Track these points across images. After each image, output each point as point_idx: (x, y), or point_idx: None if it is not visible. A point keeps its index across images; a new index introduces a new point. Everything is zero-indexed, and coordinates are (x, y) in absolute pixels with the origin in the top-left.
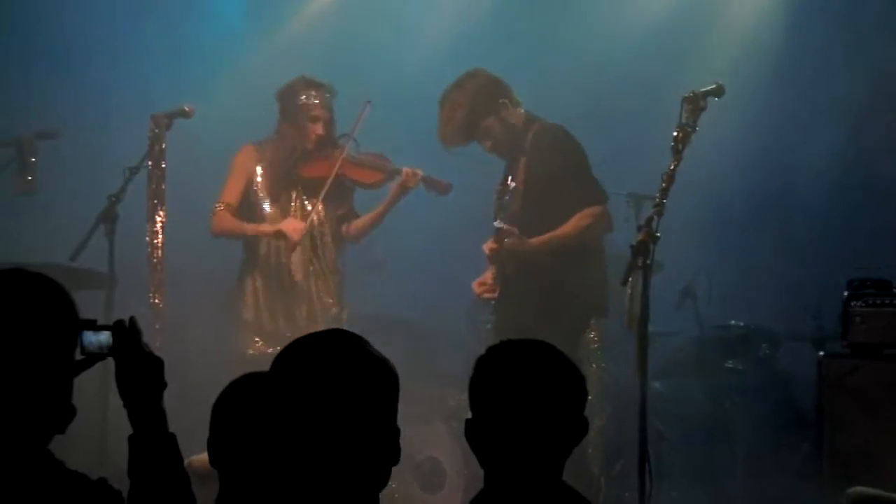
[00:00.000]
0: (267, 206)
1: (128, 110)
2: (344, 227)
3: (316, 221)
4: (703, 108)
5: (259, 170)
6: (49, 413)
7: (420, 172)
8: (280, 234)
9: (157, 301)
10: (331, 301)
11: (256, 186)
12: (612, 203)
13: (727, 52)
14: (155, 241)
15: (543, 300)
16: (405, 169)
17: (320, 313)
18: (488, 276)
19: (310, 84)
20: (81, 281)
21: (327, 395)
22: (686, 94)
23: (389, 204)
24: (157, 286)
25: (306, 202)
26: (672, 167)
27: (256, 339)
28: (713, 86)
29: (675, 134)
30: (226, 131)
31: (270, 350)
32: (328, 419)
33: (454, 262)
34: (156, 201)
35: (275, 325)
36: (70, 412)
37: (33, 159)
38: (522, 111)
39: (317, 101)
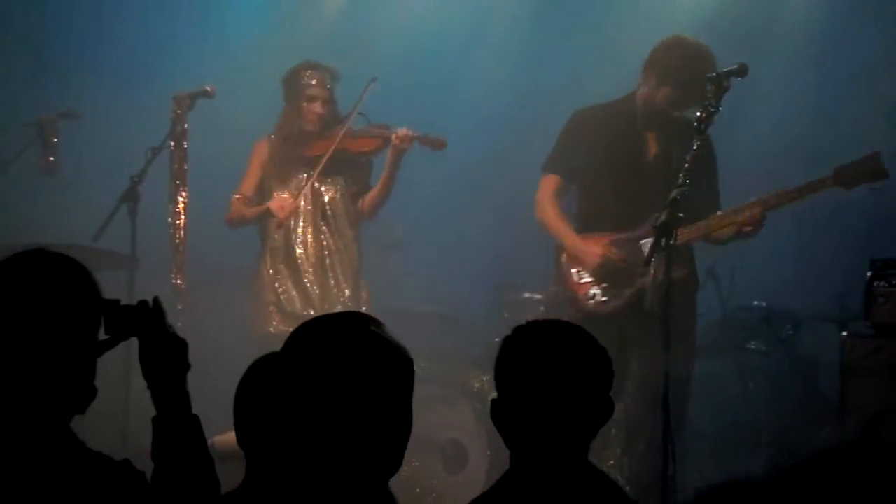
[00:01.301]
0: (279, 191)
1: (150, 90)
2: (360, 203)
3: (326, 199)
4: (726, 88)
5: (270, 162)
6: (71, 393)
7: (411, 132)
8: (269, 212)
9: (179, 282)
10: (346, 282)
11: (269, 175)
12: None
13: (755, 29)
14: (177, 221)
15: None
16: (397, 131)
17: (335, 293)
18: None
19: (311, 66)
20: (104, 261)
21: (341, 379)
22: (710, 75)
23: (389, 168)
24: (179, 267)
25: (316, 183)
26: (695, 147)
27: (275, 320)
28: (736, 66)
29: (698, 114)
30: (248, 111)
31: (291, 328)
32: (342, 403)
33: (478, 245)
34: (178, 182)
35: (293, 307)
36: (91, 393)
37: (55, 140)
38: None
39: (314, 82)
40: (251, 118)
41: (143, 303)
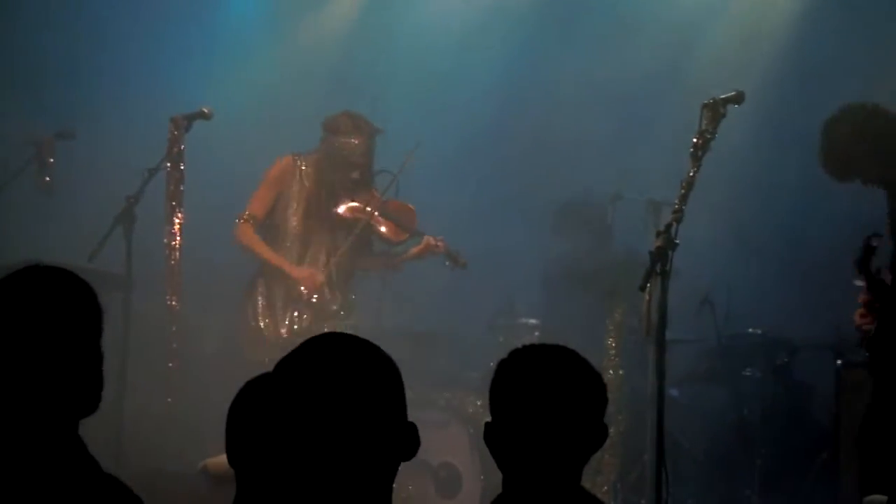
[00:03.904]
0: (294, 223)
1: (147, 112)
2: (361, 261)
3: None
4: (722, 115)
5: (295, 183)
6: (77, 402)
7: (441, 244)
8: (296, 283)
9: (173, 303)
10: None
11: (290, 198)
12: (631, 209)
13: (751, 59)
14: (172, 242)
15: None
16: (427, 237)
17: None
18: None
19: (354, 125)
20: (99, 282)
21: (330, 391)
22: (706, 101)
23: (404, 260)
24: (175, 288)
25: (332, 240)
26: (691, 174)
27: (262, 346)
28: (733, 93)
29: (694, 140)
30: (245, 134)
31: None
32: (331, 416)
33: (473, 270)
34: (174, 203)
35: (277, 335)
36: (97, 398)
37: (51, 160)
38: None
39: (356, 143)
40: (248, 140)
41: None
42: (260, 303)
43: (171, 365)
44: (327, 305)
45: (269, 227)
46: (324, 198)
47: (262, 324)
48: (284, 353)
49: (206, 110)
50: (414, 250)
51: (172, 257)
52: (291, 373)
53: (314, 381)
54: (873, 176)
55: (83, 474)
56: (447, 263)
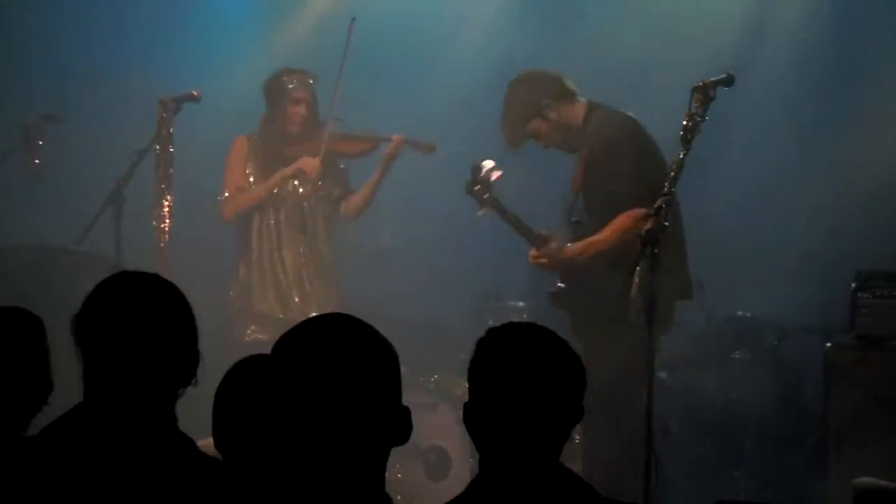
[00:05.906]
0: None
1: (136, 94)
2: (342, 206)
3: (305, 204)
4: (712, 98)
5: (251, 159)
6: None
7: (402, 137)
8: (299, 172)
9: None
10: (320, 286)
11: (250, 175)
12: None
13: (744, 41)
14: (162, 225)
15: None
16: (389, 136)
17: (313, 297)
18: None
19: (292, 71)
20: (88, 264)
21: (327, 375)
22: (696, 84)
23: (380, 174)
24: (164, 270)
25: (297, 184)
26: (681, 156)
27: (252, 325)
28: (723, 75)
29: (684, 123)
30: (234, 115)
31: (266, 337)
32: (325, 397)
33: (461, 251)
34: (163, 185)
35: (267, 310)
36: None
37: (41, 143)
38: (581, 102)
39: (297, 84)
40: (237, 122)
41: None
42: (240, 283)
43: None
44: (313, 281)
45: None
46: (278, 152)
47: (243, 304)
48: (274, 331)
49: (195, 93)
50: (384, 159)
51: (162, 239)
52: (288, 353)
53: (310, 361)
54: (553, 140)
55: (176, 449)
56: (418, 152)
